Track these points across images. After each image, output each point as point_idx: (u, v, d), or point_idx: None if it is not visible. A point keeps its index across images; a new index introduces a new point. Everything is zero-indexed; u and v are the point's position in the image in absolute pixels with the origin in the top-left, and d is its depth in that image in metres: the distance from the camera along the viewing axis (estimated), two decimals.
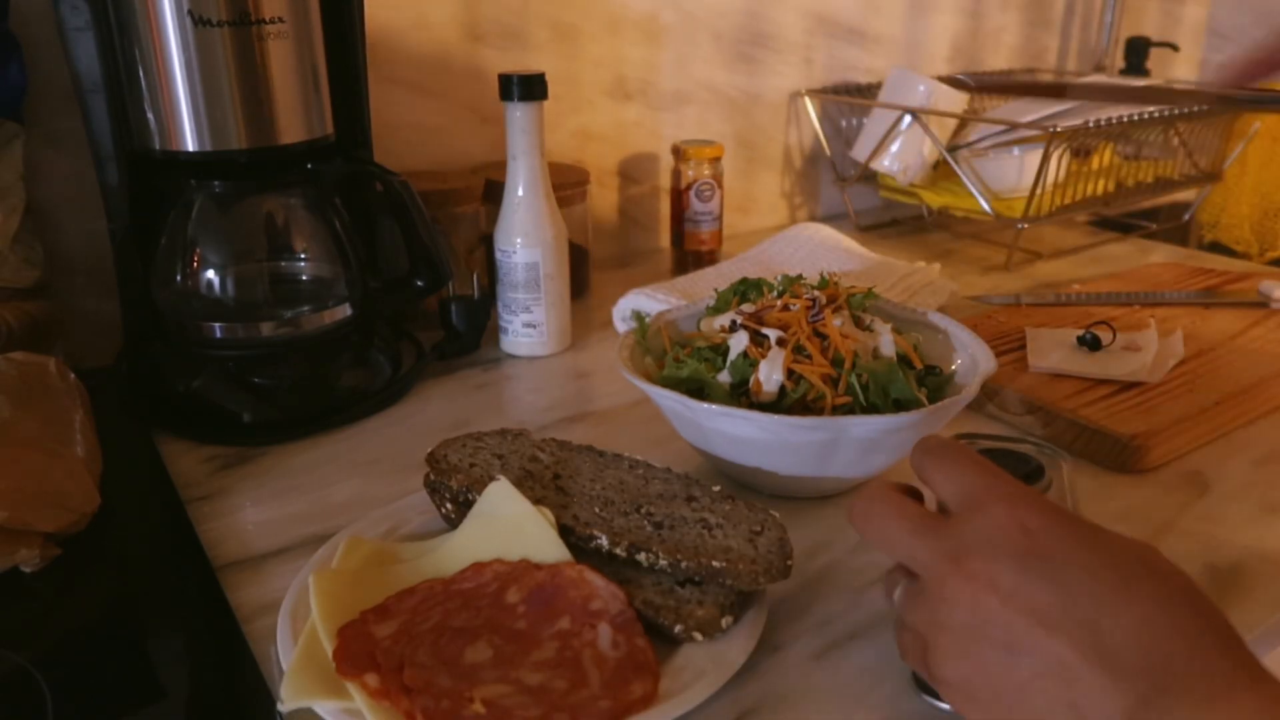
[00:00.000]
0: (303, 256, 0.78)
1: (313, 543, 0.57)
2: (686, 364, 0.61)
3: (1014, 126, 1.08)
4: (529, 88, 0.78)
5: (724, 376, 0.60)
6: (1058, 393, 0.71)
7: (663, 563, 0.48)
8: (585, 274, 1.00)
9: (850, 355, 0.58)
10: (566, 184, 0.94)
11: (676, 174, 1.06)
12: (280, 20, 0.66)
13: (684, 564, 0.48)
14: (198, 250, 0.74)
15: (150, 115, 0.67)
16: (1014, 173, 1.11)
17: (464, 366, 0.84)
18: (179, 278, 0.74)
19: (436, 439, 0.58)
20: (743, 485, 0.62)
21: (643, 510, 0.52)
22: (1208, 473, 0.66)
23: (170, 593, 0.57)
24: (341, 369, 0.76)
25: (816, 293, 0.63)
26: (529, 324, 0.84)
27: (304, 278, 0.78)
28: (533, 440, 0.59)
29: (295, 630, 0.47)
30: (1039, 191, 1.03)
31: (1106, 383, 0.73)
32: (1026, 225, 1.06)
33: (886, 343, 0.61)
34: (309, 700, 0.42)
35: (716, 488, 0.54)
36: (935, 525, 0.39)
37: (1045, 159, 1.01)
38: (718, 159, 1.04)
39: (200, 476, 0.66)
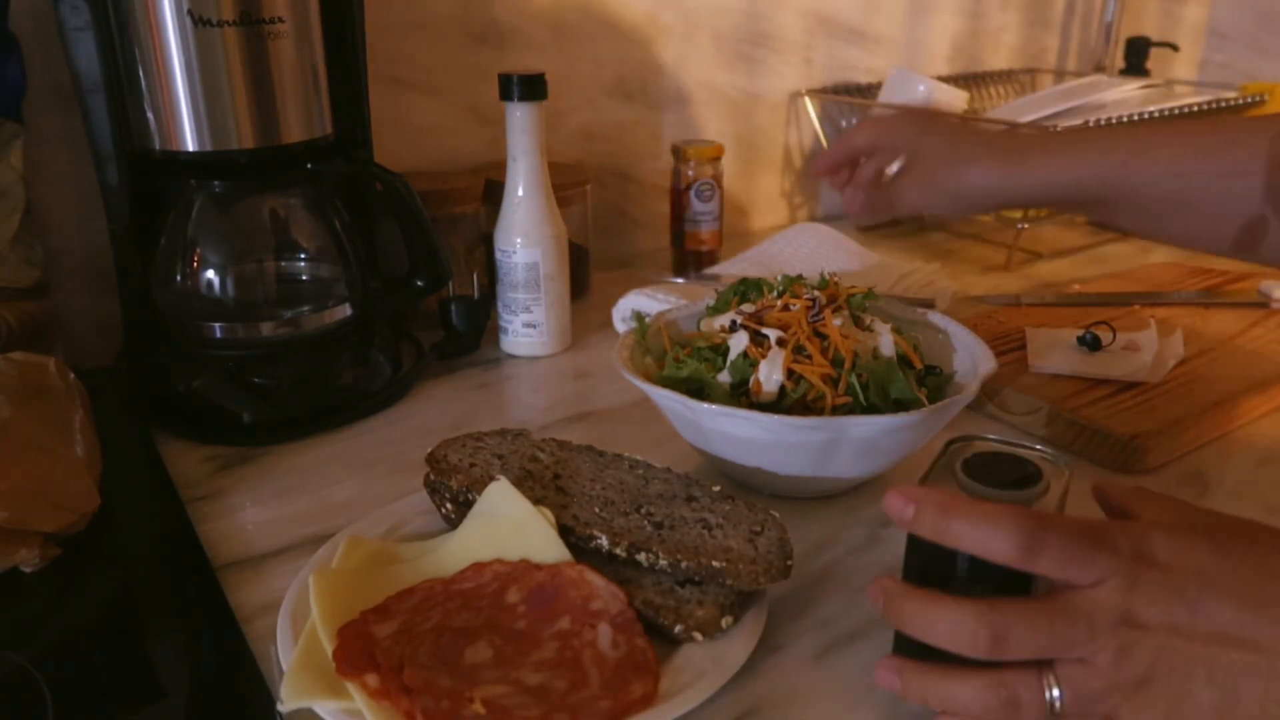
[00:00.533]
0: (303, 256, 0.78)
1: (313, 543, 0.57)
2: (686, 364, 0.61)
3: (1014, 126, 1.08)
4: (529, 88, 0.78)
5: (724, 376, 0.60)
6: (1058, 393, 0.71)
7: (663, 563, 0.48)
8: (585, 274, 1.00)
9: (850, 355, 0.58)
10: (566, 184, 0.94)
11: (676, 174, 1.06)
12: (280, 20, 0.66)
13: (684, 564, 0.48)
14: (198, 250, 0.74)
15: (150, 115, 0.67)
16: None
17: (464, 366, 0.84)
18: (179, 278, 0.74)
19: (436, 439, 0.58)
20: (743, 485, 0.62)
21: (643, 510, 0.52)
22: (1208, 473, 0.66)
23: (170, 593, 0.57)
24: (341, 369, 0.76)
25: (816, 293, 0.63)
26: (529, 324, 0.84)
27: (304, 278, 0.78)
28: (533, 440, 0.59)
29: (295, 630, 0.47)
30: None
31: (1106, 383, 0.73)
32: (1026, 225, 1.06)
33: (886, 343, 0.61)
34: (309, 700, 0.42)
35: (716, 488, 0.54)
36: (1071, 605, 0.37)
37: None
38: (718, 159, 1.04)
39: (200, 476, 0.66)
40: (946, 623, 0.38)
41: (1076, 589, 0.37)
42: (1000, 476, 0.45)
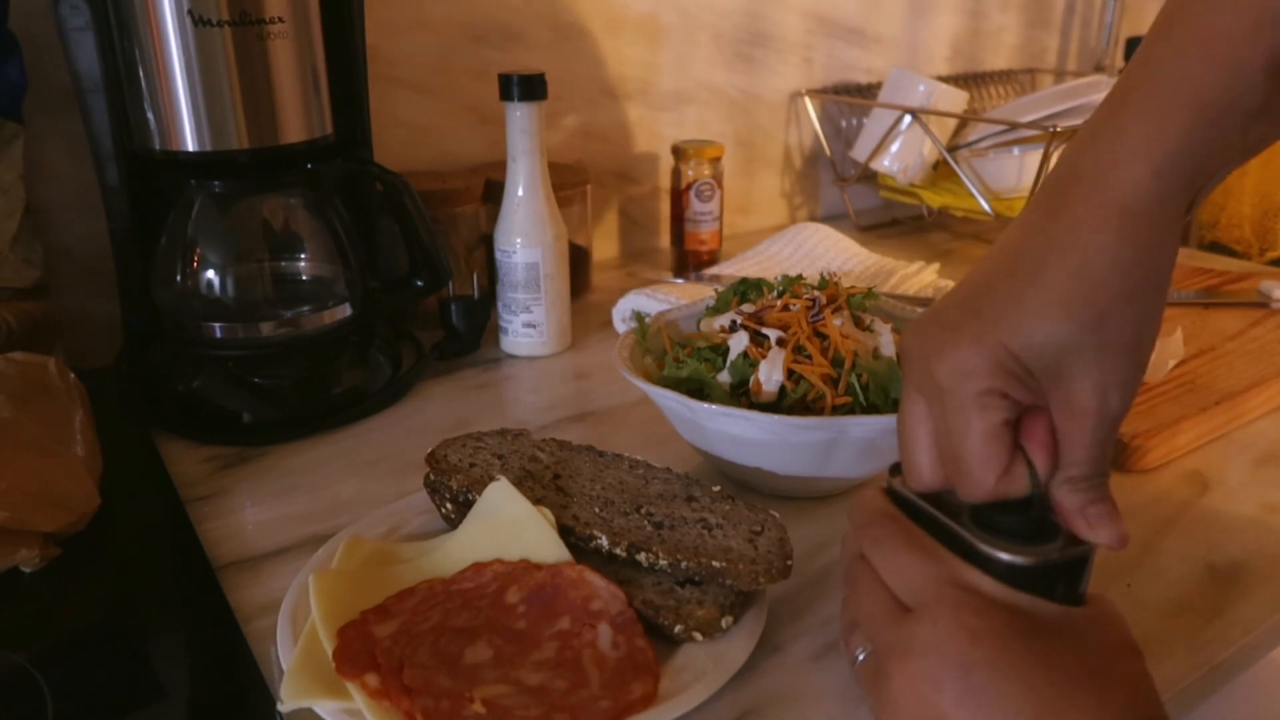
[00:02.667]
0: (303, 256, 0.78)
1: (313, 543, 0.57)
2: (686, 364, 0.61)
3: (1014, 126, 1.08)
4: (529, 88, 0.78)
5: (724, 376, 0.60)
6: None
7: (663, 563, 0.48)
8: (585, 274, 1.00)
9: (850, 355, 0.58)
10: (566, 184, 0.94)
11: (676, 174, 1.06)
12: (280, 20, 0.66)
13: (684, 564, 0.48)
14: (198, 250, 0.74)
15: (150, 115, 0.67)
16: (1014, 173, 1.11)
17: (464, 366, 0.84)
18: (179, 278, 0.74)
19: (436, 439, 0.58)
20: (743, 485, 0.62)
21: (643, 510, 0.52)
22: (1208, 473, 0.66)
23: (170, 593, 0.57)
24: (341, 369, 0.76)
25: (816, 293, 0.63)
26: (529, 324, 0.84)
27: (304, 278, 0.78)
28: (533, 440, 0.59)
29: (295, 630, 0.47)
30: None
31: None
32: None
33: (886, 343, 0.61)
34: (309, 700, 0.42)
35: (716, 488, 0.54)
36: (893, 617, 0.39)
37: (1045, 159, 1.01)
38: (718, 159, 1.04)
39: (200, 476, 0.66)
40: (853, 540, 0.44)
41: (914, 616, 0.38)
42: (1011, 525, 0.39)
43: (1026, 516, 0.39)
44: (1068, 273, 0.36)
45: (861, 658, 0.42)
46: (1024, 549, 0.38)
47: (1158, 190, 0.36)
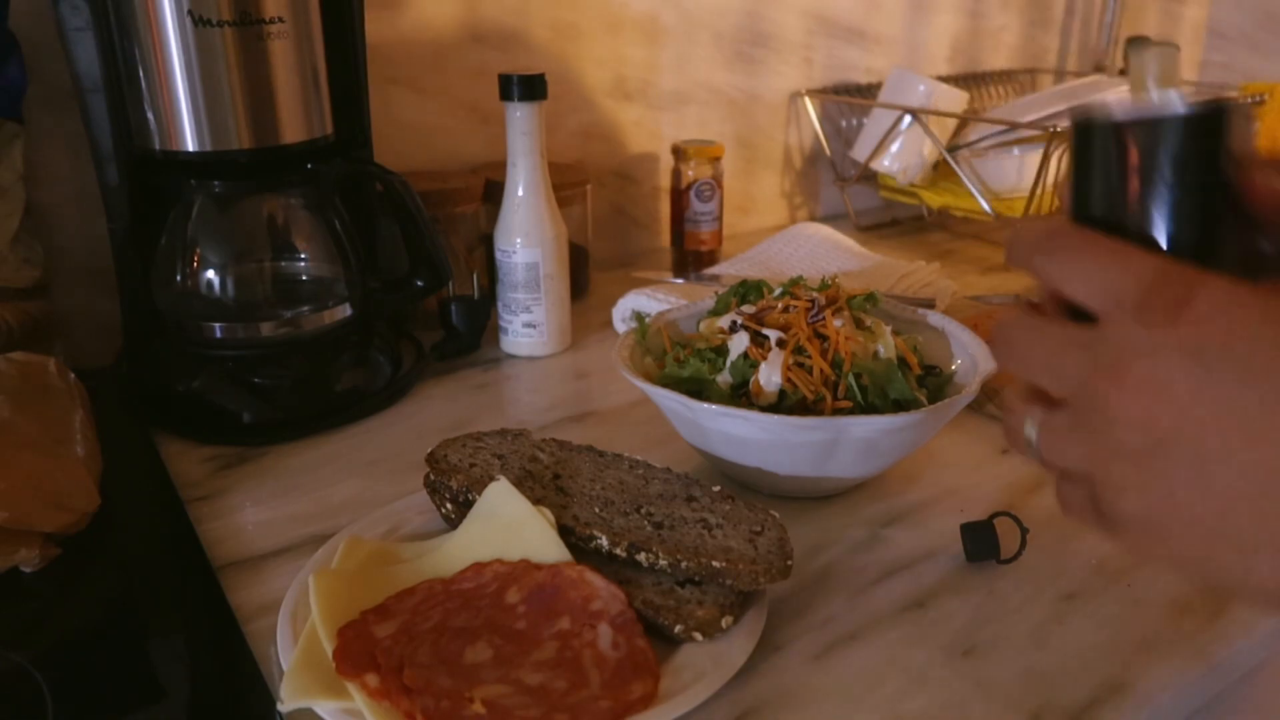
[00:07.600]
0: (303, 256, 0.78)
1: (313, 543, 0.57)
2: (687, 364, 0.61)
3: (1014, 126, 1.08)
4: (529, 88, 0.78)
5: (724, 377, 0.60)
6: None
7: (663, 563, 0.48)
8: (585, 274, 1.00)
9: (849, 358, 0.58)
10: (566, 184, 0.94)
11: (676, 174, 1.06)
12: (280, 20, 0.66)
13: (684, 564, 0.48)
14: (198, 250, 0.74)
15: (150, 115, 0.67)
16: (1014, 173, 1.11)
17: (464, 366, 0.84)
18: (179, 278, 0.74)
19: (436, 439, 0.58)
20: (743, 485, 0.62)
21: (643, 510, 0.52)
22: None
23: (170, 593, 0.57)
24: (341, 369, 0.76)
25: (816, 294, 0.63)
26: (529, 324, 0.84)
27: (304, 278, 0.78)
28: (533, 440, 0.59)
29: (295, 630, 0.47)
30: (1039, 191, 1.03)
31: None
32: None
33: (887, 344, 0.61)
34: (309, 700, 0.42)
35: (716, 488, 0.54)
36: (1082, 336, 0.31)
37: (1045, 159, 1.01)
38: (718, 159, 1.04)
39: (200, 476, 0.66)
40: (1002, 317, 0.36)
41: (1112, 319, 0.30)
42: None
43: None
44: None
45: (1034, 434, 0.33)
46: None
47: None
